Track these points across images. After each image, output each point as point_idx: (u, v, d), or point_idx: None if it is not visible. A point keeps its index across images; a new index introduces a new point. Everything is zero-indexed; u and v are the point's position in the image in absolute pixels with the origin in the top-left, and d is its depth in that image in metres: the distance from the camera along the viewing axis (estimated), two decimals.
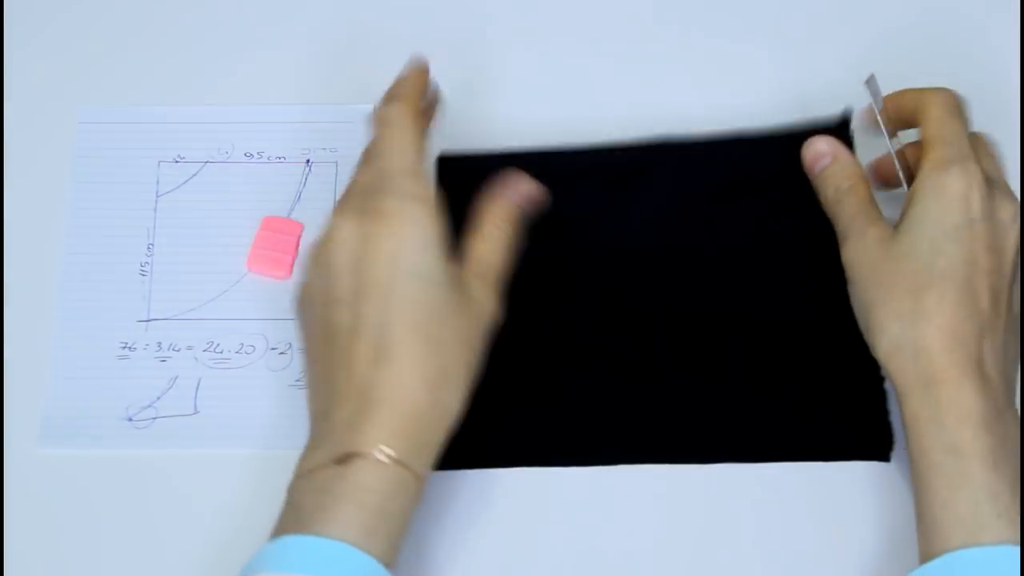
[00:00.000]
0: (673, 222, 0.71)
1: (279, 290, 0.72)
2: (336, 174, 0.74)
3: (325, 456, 0.58)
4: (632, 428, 0.68)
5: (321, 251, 0.62)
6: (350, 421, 0.59)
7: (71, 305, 0.71)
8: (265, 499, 0.65)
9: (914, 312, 0.61)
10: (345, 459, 0.58)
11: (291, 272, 0.72)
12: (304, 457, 0.60)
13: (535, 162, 0.72)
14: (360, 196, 0.62)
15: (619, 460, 0.68)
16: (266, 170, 0.75)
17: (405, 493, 0.58)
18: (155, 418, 0.69)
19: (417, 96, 0.66)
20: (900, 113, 0.68)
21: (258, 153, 0.75)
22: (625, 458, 0.68)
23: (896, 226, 0.63)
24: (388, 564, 0.57)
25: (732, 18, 0.78)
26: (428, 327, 0.60)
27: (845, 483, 0.66)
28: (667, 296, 0.70)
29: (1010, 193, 0.64)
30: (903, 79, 0.70)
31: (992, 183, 0.63)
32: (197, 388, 0.70)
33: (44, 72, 0.77)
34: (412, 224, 0.61)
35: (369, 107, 0.76)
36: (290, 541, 0.57)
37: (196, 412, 0.69)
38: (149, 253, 0.73)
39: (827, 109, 0.72)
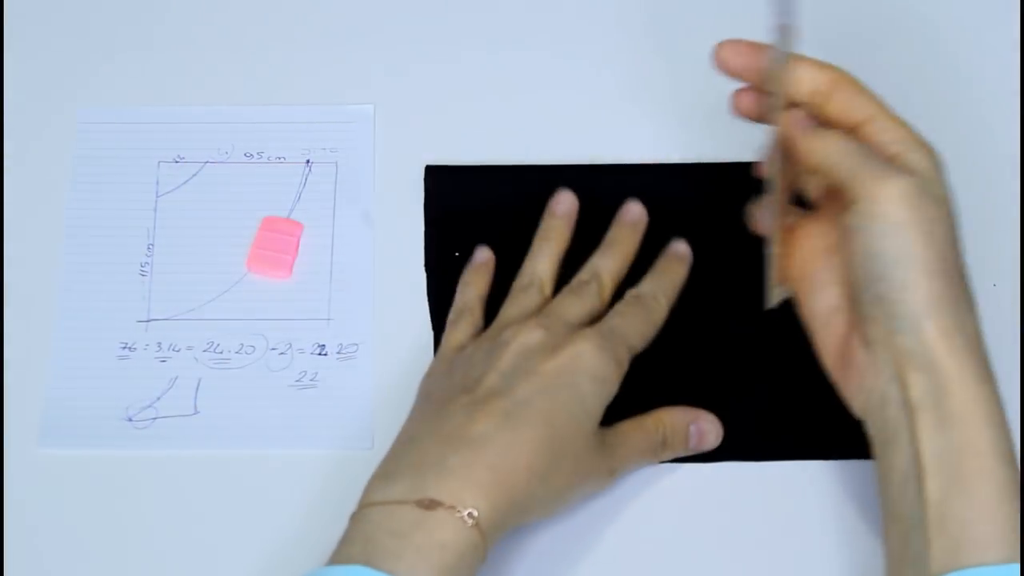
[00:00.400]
0: (662, 229, 0.71)
1: (279, 290, 0.71)
2: (336, 174, 0.74)
3: (407, 492, 0.57)
4: None
5: (506, 333, 0.64)
6: (446, 465, 0.57)
7: (71, 305, 0.71)
8: (265, 500, 0.65)
9: (965, 298, 0.58)
10: (430, 505, 0.56)
11: (291, 272, 0.72)
12: (380, 480, 0.59)
13: (519, 176, 0.72)
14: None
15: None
16: (266, 170, 0.75)
17: (473, 560, 0.57)
18: (155, 418, 0.69)
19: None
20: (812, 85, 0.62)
21: (258, 153, 0.75)
22: None
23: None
24: None
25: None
26: (559, 430, 0.60)
27: (847, 481, 0.66)
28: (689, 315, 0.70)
29: None
30: (903, 80, 0.70)
31: None
32: (197, 388, 0.70)
33: (44, 72, 0.77)
34: (597, 368, 0.62)
35: (369, 107, 0.76)
36: (358, 571, 0.55)
37: (196, 412, 0.69)
38: (149, 253, 0.73)
39: None
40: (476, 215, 0.72)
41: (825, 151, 0.59)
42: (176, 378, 0.70)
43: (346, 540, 0.57)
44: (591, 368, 0.62)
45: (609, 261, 0.68)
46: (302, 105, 0.76)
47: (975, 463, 0.55)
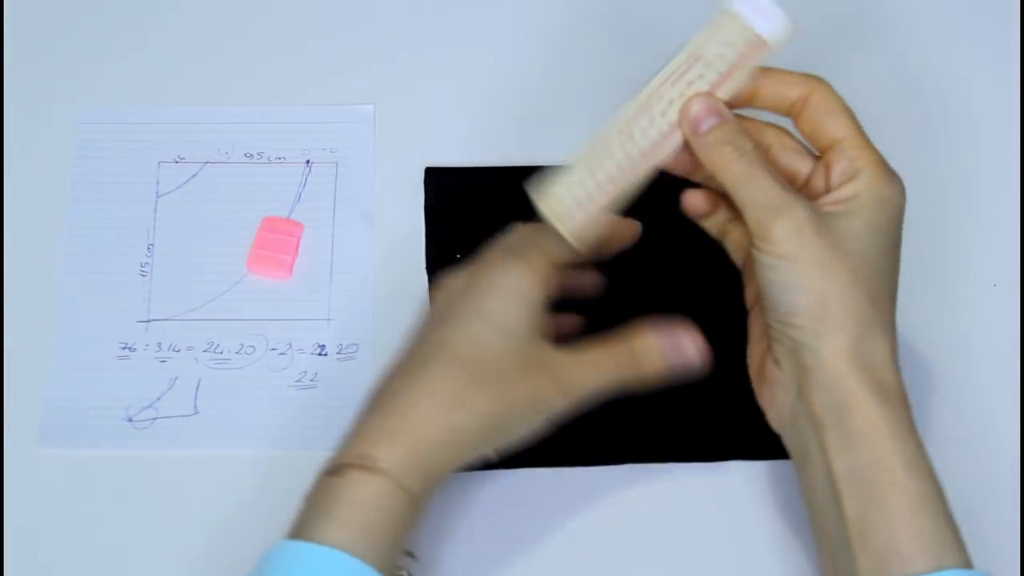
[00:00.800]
0: (658, 232, 0.71)
1: (279, 290, 0.71)
2: (336, 174, 0.74)
3: (329, 464, 0.58)
4: (633, 427, 0.68)
5: (442, 282, 0.63)
6: (359, 430, 0.58)
7: (71, 305, 0.71)
8: (265, 500, 0.65)
9: (874, 320, 0.58)
10: (339, 470, 0.57)
11: (291, 272, 0.72)
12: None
13: (519, 177, 0.72)
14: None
15: (620, 460, 0.68)
16: (266, 170, 0.75)
17: (403, 510, 0.57)
18: (155, 418, 0.69)
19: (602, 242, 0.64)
20: (777, 100, 0.61)
21: (258, 153, 0.75)
22: (625, 458, 0.68)
23: (827, 215, 0.59)
24: (382, 569, 0.56)
25: None
26: (479, 352, 0.59)
27: None
28: (668, 296, 0.70)
29: None
30: (904, 80, 0.70)
31: None
32: (197, 388, 0.70)
33: (44, 72, 0.77)
34: (508, 280, 0.60)
35: (369, 107, 0.76)
36: (284, 546, 0.56)
37: (196, 412, 0.69)
38: (149, 253, 0.73)
39: None
40: (476, 216, 0.72)
41: (727, 176, 0.59)
42: (176, 378, 0.70)
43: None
44: (496, 284, 0.60)
45: None
46: (302, 105, 0.76)
47: (885, 478, 0.56)
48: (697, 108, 0.60)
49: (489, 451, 0.61)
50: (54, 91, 0.77)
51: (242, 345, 0.71)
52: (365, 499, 0.56)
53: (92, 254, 0.73)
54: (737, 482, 0.67)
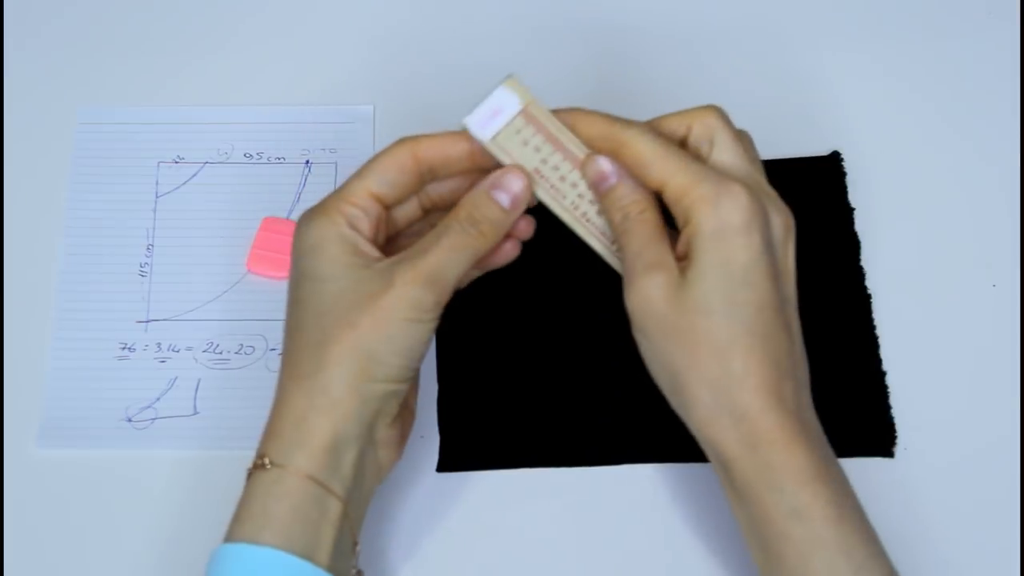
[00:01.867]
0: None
1: (279, 290, 0.71)
2: (335, 174, 0.74)
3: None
4: (635, 428, 0.68)
5: None
6: (265, 433, 0.60)
7: (70, 305, 0.71)
8: None
9: (724, 377, 0.56)
10: (248, 474, 0.59)
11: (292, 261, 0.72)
12: None
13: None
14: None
15: (620, 460, 0.68)
16: (266, 170, 0.75)
17: (318, 496, 0.57)
18: (154, 419, 0.69)
19: (428, 154, 0.61)
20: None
21: (258, 153, 0.75)
22: (627, 457, 0.68)
23: (682, 269, 0.57)
24: (320, 561, 0.56)
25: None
26: (303, 293, 0.59)
27: (848, 479, 0.66)
28: None
29: (777, 201, 0.59)
30: (904, 81, 0.70)
31: (763, 196, 0.58)
32: (196, 389, 0.70)
33: (44, 72, 0.77)
34: (308, 233, 0.59)
35: (369, 108, 0.76)
36: (219, 551, 0.57)
37: (195, 413, 0.69)
38: (149, 254, 0.73)
39: None
40: None
41: (624, 229, 0.58)
42: (175, 378, 0.70)
43: None
44: (300, 246, 0.60)
45: None
46: (302, 105, 0.76)
47: (771, 530, 0.56)
48: (604, 165, 0.59)
49: (402, 378, 0.59)
50: (54, 91, 0.77)
51: (242, 345, 0.71)
52: (259, 491, 0.57)
53: (92, 254, 0.73)
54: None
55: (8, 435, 0.68)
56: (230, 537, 0.57)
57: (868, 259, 0.72)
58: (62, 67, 0.77)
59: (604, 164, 0.59)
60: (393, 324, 0.57)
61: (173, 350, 0.70)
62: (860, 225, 0.73)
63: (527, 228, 0.62)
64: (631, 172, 0.59)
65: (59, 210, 0.74)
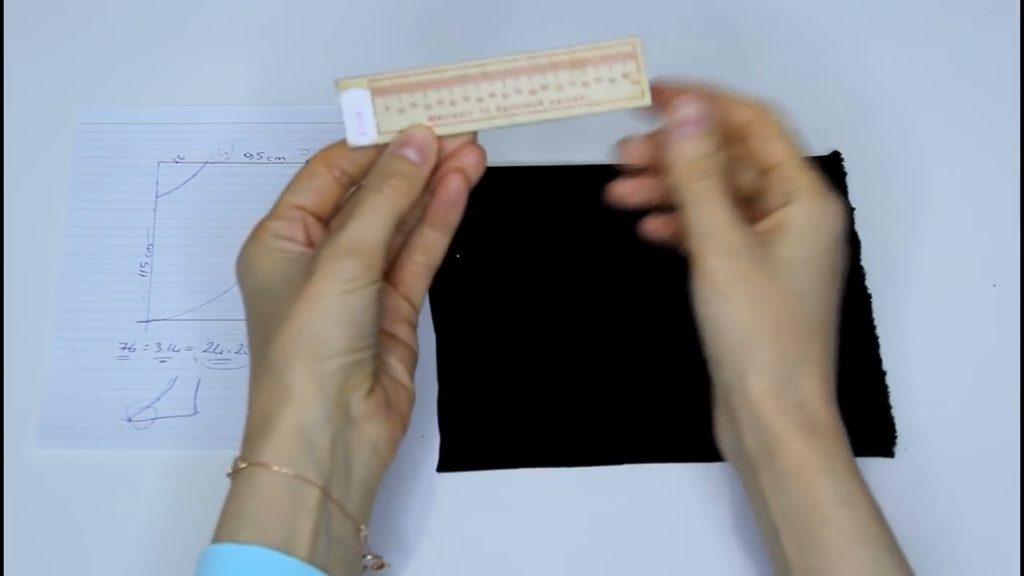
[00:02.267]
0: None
1: None
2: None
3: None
4: (635, 428, 0.68)
5: None
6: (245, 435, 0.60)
7: (70, 305, 0.71)
8: None
9: (804, 356, 0.58)
10: (231, 475, 0.59)
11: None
12: None
13: (518, 177, 0.72)
14: None
15: (620, 460, 0.68)
16: (266, 170, 0.75)
17: (301, 493, 0.57)
18: (154, 419, 0.69)
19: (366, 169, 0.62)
20: (722, 125, 0.61)
21: (258, 153, 0.75)
22: (628, 457, 0.68)
23: (765, 243, 0.59)
24: (309, 558, 0.57)
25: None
26: (259, 334, 0.60)
27: None
28: (668, 296, 0.70)
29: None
30: (909, 72, 0.70)
31: None
32: (197, 389, 0.70)
33: (44, 72, 0.77)
34: (240, 258, 0.61)
35: None
36: (206, 552, 0.57)
37: (196, 413, 0.69)
38: (149, 253, 0.73)
39: None
40: (476, 216, 0.72)
41: (686, 192, 0.59)
42: (176, 378, 0.70)
43: None
44: (237, 263, 0.62)
45: None
46: (302, 105, 0.76)
47: (817, 515, 0.57)
48: (691, 110, 0.59)
49: (355, 348, 0.59)
50: (53, 91, 0.77)
51: (242, 345, 0.71)
52: (245, 490, 0.58)
53: (92, 254, 0.73)
54: (736, 482, 0.67)
55: (8, 435, 0.68)
56: (213, 540, 0.57)
57: (868, 259, 0.72)
58: (62, 67, 0.77)
59: (689, 109, 0.59)
60: (324, 301, 0.58)
61: (173, 350, 0.70)
62: (860, 225, 0.73)
63: (474, 159, 0.61)
64: (753, 145, 0.60)
65: (59, 210, 0.74)
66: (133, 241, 0.73)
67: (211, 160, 0.75)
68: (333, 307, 0.58)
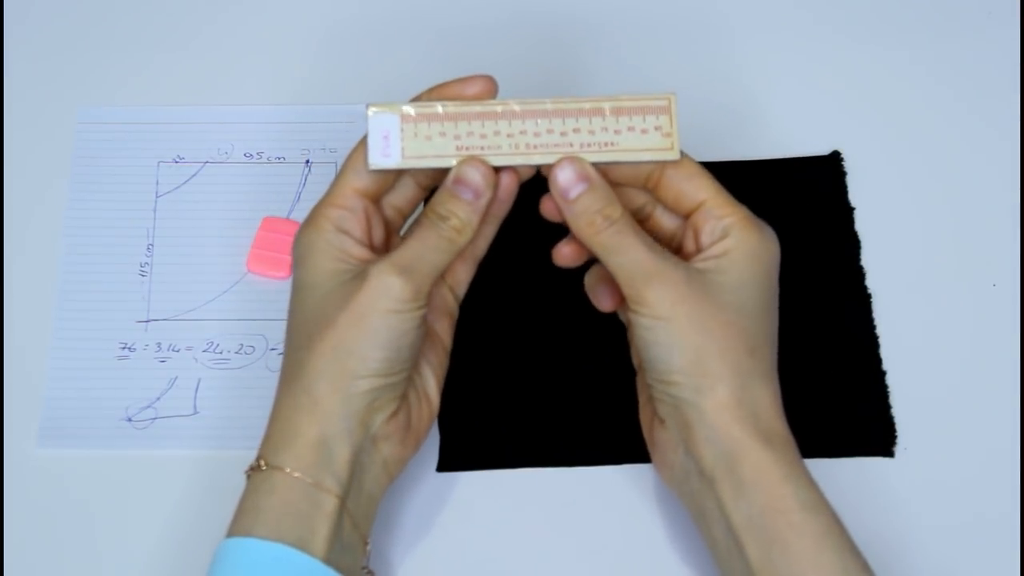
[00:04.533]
0: None
1: (279, 290, 0.71)
2: (335, 174, 0.74)
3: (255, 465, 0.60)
4: (634, 428, 0.68)
5: None
6: (269, 434, 0.60)
7: (70, 305, 0.71)
8: None
9: (754, 370, 0.59)
10: (247, 476, 0.59)
11: (291, 272, 0.72)
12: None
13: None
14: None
15: (620, 460, 0.68)
16: (266, 170, 0.75)
17: (317, 498, 0.57)
18: (154, 418, 0.69)
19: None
20: (631, 175, 0.62)
21: (258, 153, 0.75)
22: (627, 457, 0.68)
23: (698, 271, 0.59)
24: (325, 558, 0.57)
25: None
26: (296, 320, 0.60)
27: (848, 479, 0.66)
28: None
29: None
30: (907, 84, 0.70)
31: None
32: (197, 388, 0.70)
33: (44, 72, 0.77)
34: (298, 243, 0.61)
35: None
36: (223, 545, 0.58)
37: (196, 412, 0.69)
38: (149, 253, 0.73)
39: None
40: None
41: (595, 245, 0.60)
42: (176, 378, 0.70)
43: None
44: (297, 257, 0.61)
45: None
46: (302, 105, 0.76)
47: (782, 521, 0.57)
48: (566, 175, 0.60)
49: (388, 372, 0.59)
50: (54, 91, 0.77)
51: (242, 345, 0.71)
52: (252, 487, 0.58)
53: (92, 254, 0.73)
54: None
55: (8, 435, 0.68)
56: (228, 534, 0.58)
57: (868, 259, 0.72)
58: (62, 67, 0.77)
59: (567, 172, 0.60)
60: (370, 317, 0.58)
61: (173, 350, 0.70)
62: (860, 225, 0.73)
63: (510, 184, 0.62)
64: (671, 188, 0.61)
65: (59, 210, 0.74)
66: (133, 241, 0.73)
67: (211, 160, 0.75)
68: (378, 325, 0.58)
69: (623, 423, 0.68)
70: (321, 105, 0.76)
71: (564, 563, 0.66)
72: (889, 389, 0.69)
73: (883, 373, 0.69)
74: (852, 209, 0.73)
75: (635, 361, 0.64)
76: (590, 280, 0.65)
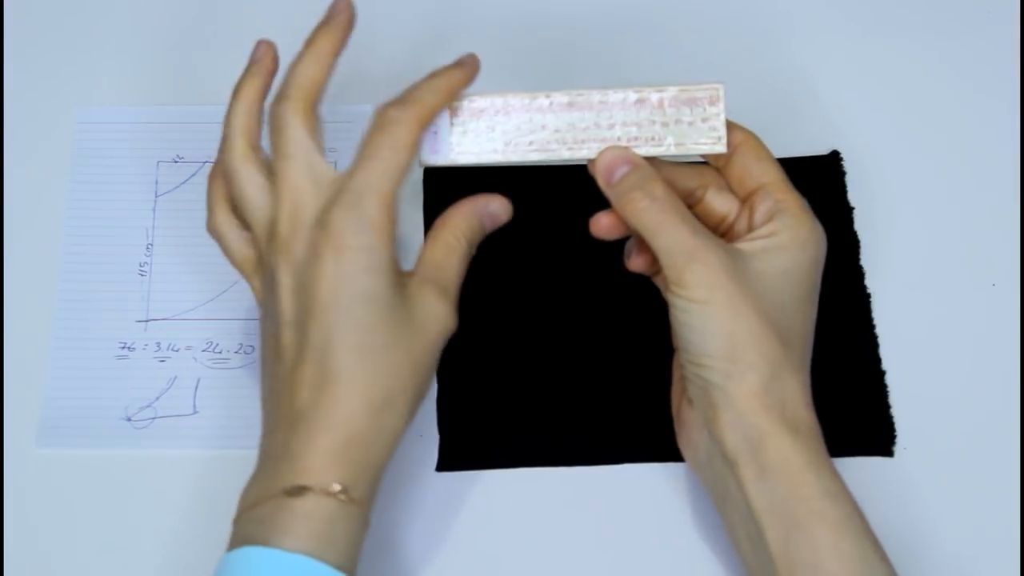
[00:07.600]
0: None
1: None
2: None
3: (270, 486, 0.57)
4: (635, 427, 0.68)
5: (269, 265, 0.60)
6: (291, 448, 0.57)
7: (70, 305, 0.71)
8: None
9: (785, 360, 0.59)
10: (296, 492, 0.56)
11: None
12: (249, 487, 0.58)
13: (518, 177, 0.72)
14: (324, 205, 0.59)
15: (620, 460, 0.68)
16: None
17: (347, 517, 0.56)
18: (154, 418, 0.69)
19: (434, 107, 0.61)
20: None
21: None
22: (628, 457, 0.68)
23: (741, 255, 0.60)
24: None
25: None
26: (373, 350, 0.57)
27: (848, 478, 0.66)
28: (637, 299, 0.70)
29: None
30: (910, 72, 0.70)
31: None
32: (196, 388, 0.70)
33: (43, 72, 0.77)
34: (360, 249, 0.58)
35: (368, 108, 0.76)
36: (251, 552, 0.56)
37: (195, 412, 0.69)
38: (148, 253, 0.73)
39: None
40: None
41: (639, 223, 0.60)
42: (175, 378, 0.70)
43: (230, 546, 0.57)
44: (355, 268, 0.57)
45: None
46: None
47: (804, 507, 0.57)
48: (609, 157, 0.61)
49: (414, 408, 0.59)
50: (52, 91, 0.77)
51: (241, 345, 0.71)
52: (319, 514, 0.56)
53: (91, 254, 0.73)
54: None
55: (8, 435, 0.68)
56: (243, 543, 0.56)
57: (868, 259, 0.72)
58: (61, 67, 0.77)
59: (611, 154, 0.61)
60: (435, 335, 0.60)
61: (173, 350, 0.70)
62: (860, 225, 0.73)
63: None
64: (739, 166, 0.62)
65: (58, 210, 0.74)
66: (133, 241, 0.73)
67: (211, 160, 0.74)
68: (439, 343, 0.60)
69: (623, 423, 0.68)
70: (321, 105, 0.76)
71: (564, 563, 0.66)
72: (888, 389, 0.69)
73: (882, 373, 0.69)
74: (851, 209, 0.73)
75: (674, 341, 0.64)
76: (629, 245, 0.65)
